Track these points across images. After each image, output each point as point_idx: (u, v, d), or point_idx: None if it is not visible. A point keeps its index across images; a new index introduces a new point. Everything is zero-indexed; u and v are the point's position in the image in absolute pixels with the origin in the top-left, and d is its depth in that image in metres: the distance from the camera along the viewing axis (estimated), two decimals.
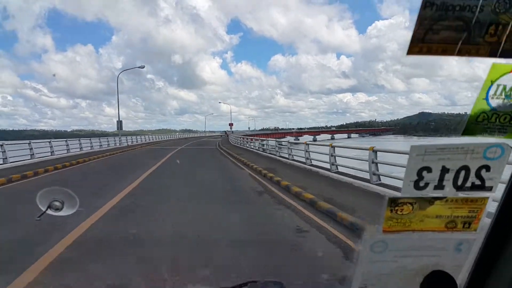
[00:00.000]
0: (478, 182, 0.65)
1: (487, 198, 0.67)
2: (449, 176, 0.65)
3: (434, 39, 0.54)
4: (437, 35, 0.54)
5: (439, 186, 0.66)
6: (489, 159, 0.63)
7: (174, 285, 2.84)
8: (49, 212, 0.89)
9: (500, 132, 0.61)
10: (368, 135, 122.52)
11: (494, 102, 0.58)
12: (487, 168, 0.64)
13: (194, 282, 2.86)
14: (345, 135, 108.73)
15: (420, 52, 0.55)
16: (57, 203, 0.88)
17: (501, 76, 0.56)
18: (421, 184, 0.66)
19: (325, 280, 2.62)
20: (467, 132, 0.62)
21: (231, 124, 67.03)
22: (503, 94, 0.58)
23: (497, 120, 0.60)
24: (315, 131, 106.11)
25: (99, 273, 3.13)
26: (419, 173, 0.65)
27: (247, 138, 28.12)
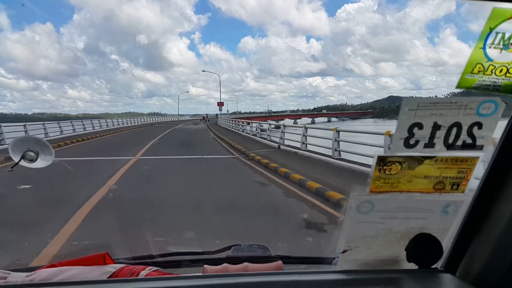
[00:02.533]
0: (469, 141, 0.63)
1: (477, 158, 0.65)
2: (440, 134, 0.62)
3: None
4: None
5: (430, 144, 0.63)
6: (482, 116, 0.61)
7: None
8: (23, 163, 0.81)
9: (495, 86, 0.58)
10: (347, 118, 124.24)
11: (492, 52, 0.55)
12: (479, 126, 0.62)
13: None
14: (325, 119, 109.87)
15: None
16: (31, 153, 0.81)
17: (501, 22, 0.53)
18: (412, 141, 0.63)
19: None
20: (462, 85, 0.58)
21: (220, 104, 47.07)
22: (501, 43, 0.54)
23: (493, 72, 0.57)
24: (296, 115, 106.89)
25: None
26: (410, 130, 0.62)
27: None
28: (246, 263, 0.77)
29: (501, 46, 0.55)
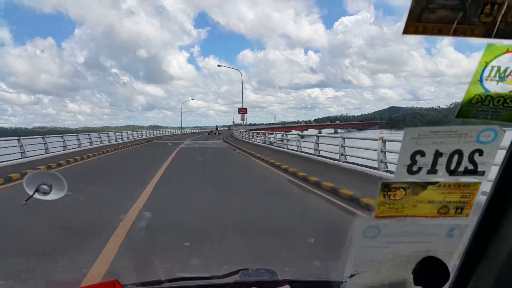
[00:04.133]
0: (471, 167, 0.65)
1: (480, 183, 0.67)
2: (442, 161, 0.65)
3: (430, 19, 0.53)
4: (433, 14, 0.53)
5: (432, 170, 0.65)
6: (482, 143, 0.63)
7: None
8: (37, 196, 0.86)
9: (493, 115, 0.60)
10: (354, 129, 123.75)
11: (488, 84, 0.58)
12: (480, 152, 0.64)
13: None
14: (332, 130, 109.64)
15: (416, 31, 0.54)
16: (45, 187, 0.85)
17: (496, 57, 0.56)
18: (414, 168, 0.65)
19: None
20: (461, 114, 0.61)
21: (243, 111, 33.66)
22: (497, 76, 0.57)
23: (491, 102, 0.59)
24: (303, 126, 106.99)
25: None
26: (413, 157, 0.64)
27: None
28: None
29: (497, 79, 0.57)
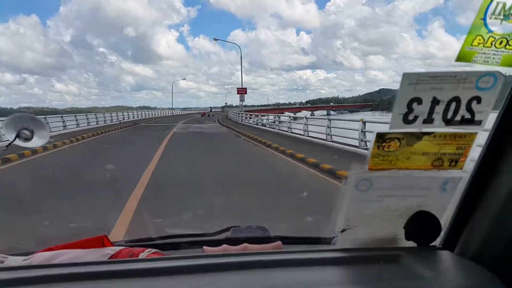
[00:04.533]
0: (468, 116, 0.63)
1: (476, 133, 0.65)
2: (439, 109, 0.62)
3: None
4: None
5: (429, 119, 0.63)
6: (481, 90, 0.60)
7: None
8: (17, 142, 0.81)
9: (495, 58, 0.57)
10: (346, 111, 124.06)
11: (492, 23, 0.54)
12: (478, 100, 0.61)
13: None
14: (325, 112, 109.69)
15: None
16: (26, 132, 0.80)
17: None
18: (410, 117, 0.63)
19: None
20: (461, 57, 0.58)
21: (242, 91, 32.16)
22: (502, 13, 0.54)
23: (493, 44, 0.56)
24: (295, 108, 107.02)
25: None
26: (409, 105, 0.61)
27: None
28: (245, 244, 0.77)
29: (501, 17, 0.54)
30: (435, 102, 0.61)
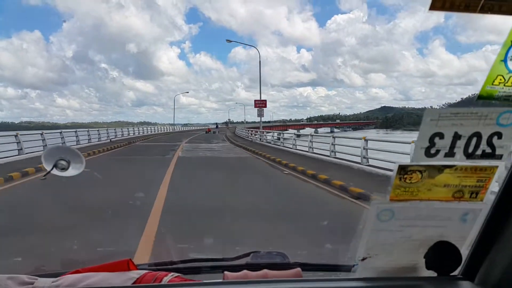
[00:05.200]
0: (488, 150, 0.65)
1: (496, 167, 0.66)
2: (461, 143, 0.64)
3: None
4: None
5: (450, 153, 0.65)
6: (502, 126, 0.62)
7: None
8: (55, 172, 0.84)
9: None
10: (350, 129, 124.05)
11: None
12: (499, 135, 0.63)
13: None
14: (328, 129, 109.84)
15: (442, 7, 0.53)
16: (63, 162, 0.84)
17: None
18: (432, 151, 0.65)
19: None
20: (482, 96, 0.60)
21: (261, 104, 25.62)
22: None
23: None
24: (300, 125, 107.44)
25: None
26: (431, 140, 0.64)
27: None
28: (265, 270, 0.78)
29: None
30: (456, 137, 0.63)
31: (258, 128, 26.37)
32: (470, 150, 0.65)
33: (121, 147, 18.10)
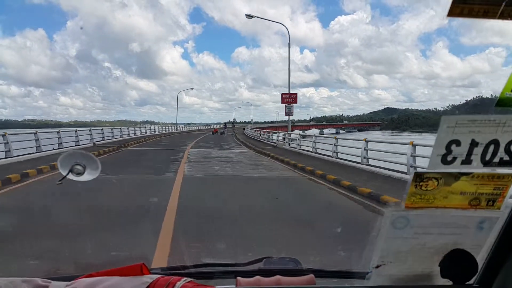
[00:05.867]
0: (506, 158, 0.64)
1: None
2: (478, 151, 0.63)
3: (477, 0, 0.51)
4: None
5: (467, 160, 0.64)
6: None
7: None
8: (70, 176, 0.85)
9: None
10: (355, 130, 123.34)
11: None
12: None
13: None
14: (333, 130, 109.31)
15: (461, 13, 0.52)
16: (79, 167, 0.85)
17: None
18: (449, 158, 0.64)
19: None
20: (501, 103, 0.59)
21: (290, 99, 19.23)
22: None
23: None
24: (305, 125, 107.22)
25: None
26: (448, 147, 0.63)
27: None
28: (278, 276, 0.78)
29: None
30: (473, 144, 0.62)
31: (266, 129, 24.85)
32: (488, 157, 0.64)
33: (103, 155, 13.04)
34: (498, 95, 0.59)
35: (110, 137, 19.99)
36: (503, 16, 0.52)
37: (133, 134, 26.19)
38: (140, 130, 31.54)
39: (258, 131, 29.57)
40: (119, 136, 22.14)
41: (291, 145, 16.56)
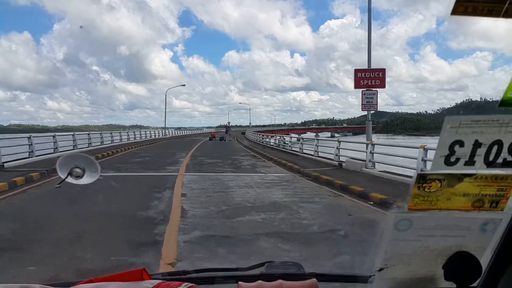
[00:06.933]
0: (510, 158, 0.63)
1: None
2: (481, 151, 0.62)
3: None
4: None
5: (470, 161, 0.63)
6: None
7: None
8: (70, 179, 0.83)
9: None
10: (350, 133, 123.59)
11: None
12: None
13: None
14: (328, 133, 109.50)
15: (465, 12, 0.51)
16: (78, 170, 0.83)
17: None
18: (452, 159, 0.63)
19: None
20: (504, 103, 0.59)
21: (372, 80, 10.57)
22: None
23: None
24: (301, 129, 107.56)
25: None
26: (451, 148, 0.62)
27: None
28: (280, 281, 0.77)
29: None
30: (477, 145, 0.62)
31: (270, 132, 21.50)
32: (491, 158, 0.63)
33: None
34: (486, 98, 0.59)
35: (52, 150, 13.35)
36: (508, 14, 0.51)
37: (109, 143, 20.45)
38: (136, 135, 27.74)
39: (268, 136, 25.49)
40: (89, 145, 17.39)
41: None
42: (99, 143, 19.20)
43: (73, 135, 16.46)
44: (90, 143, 17.81)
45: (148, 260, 3.22)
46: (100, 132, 21.51)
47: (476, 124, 0.60)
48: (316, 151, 14.07)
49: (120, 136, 24.33)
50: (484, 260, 0.71)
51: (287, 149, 18.81)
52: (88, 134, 18.78)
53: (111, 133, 22.94)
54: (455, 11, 0.52)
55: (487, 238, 0.70)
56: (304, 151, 15.99)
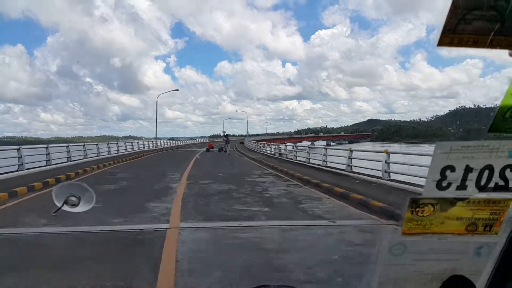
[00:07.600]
0: (501, 183, 0.63)
1: (510, 199, 0.65)
2: (472, 176, 0.63)
3: (466, 30, 0.51)
4: (469, 26, 0.51)
5: (462, 186, 0.63)
6: None
7: None
8: (65, 208, 0.83)
9: None
10: (346, 141, 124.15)
11: None
12: None
13: None
14: (324, 142, 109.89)
15: (451, 43, 0.52)
16: (73, 199, 0.83)
17: None
18: (444, 184, 0.63)
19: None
20: (493, 129, 0.59)
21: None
22: None
23: None
24: (297, 138, 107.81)
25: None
26: (443, 173, 0.62)
27: None
28: None
29: None
30: (468, 170, 0.62)
31: (271, 141, 21.20)
32: (483, 182, 0.63)
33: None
34: (478, 105, 0.59)
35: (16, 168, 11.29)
36: (493, 45, 0.52)
37: (81, 158, 17.00)
38: (128, 146, 25.05)
39: (269, 145, 23.83)
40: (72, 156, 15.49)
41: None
42: (82, 156, 17.16)
43: (46, 148, 13.85)
44: (70, 156, 15.53)
45: None
46: (83, 144, 19.25)
47: (467, 149, 0.61)
48: (349, 165, 11.54)
49: (98, 149, 20.21)
50: (480, 284, 0.71)
51: (306, 162, 15.69)
52: (67, 146, 16.36)
53: (97, 144, 20.73)
54: (441, 43, 0.52)
55: (482, 262, 0.69)
56: (328, 163, 13.41)
